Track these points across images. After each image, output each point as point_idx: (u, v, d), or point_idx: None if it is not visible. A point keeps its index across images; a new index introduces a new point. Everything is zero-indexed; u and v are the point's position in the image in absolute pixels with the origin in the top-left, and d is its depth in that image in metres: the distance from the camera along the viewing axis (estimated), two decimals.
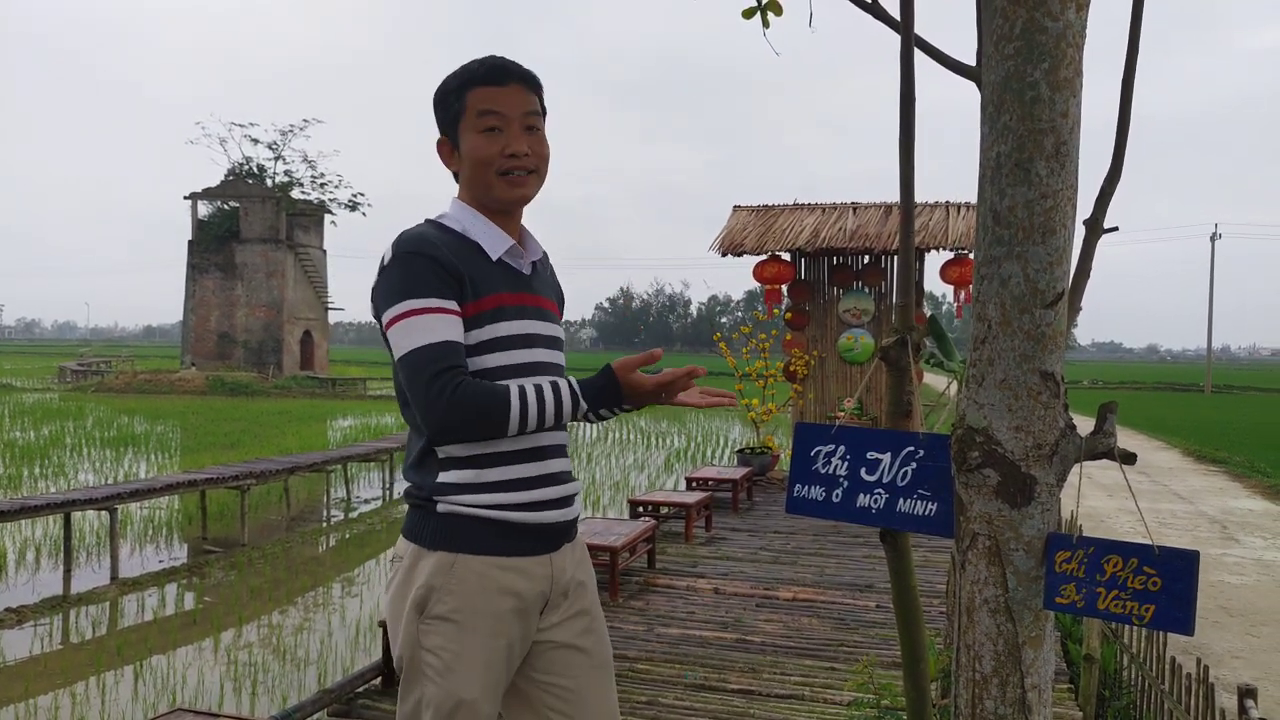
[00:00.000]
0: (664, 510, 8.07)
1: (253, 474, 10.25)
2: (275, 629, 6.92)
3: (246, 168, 38.98)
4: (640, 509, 7.97)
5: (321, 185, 39.23)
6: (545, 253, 2.00)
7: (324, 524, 11.32)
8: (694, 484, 9.37)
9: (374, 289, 1.79)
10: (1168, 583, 1.17)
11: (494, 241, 1.83)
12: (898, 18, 1.51)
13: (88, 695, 5.48)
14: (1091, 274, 1.46)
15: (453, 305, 1.74)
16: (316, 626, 6.96)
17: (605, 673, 1.91)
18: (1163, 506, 11.33)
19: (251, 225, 36.87)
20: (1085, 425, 1.17)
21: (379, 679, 4.41)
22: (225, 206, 38.02)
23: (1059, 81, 1.15)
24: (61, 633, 6.80)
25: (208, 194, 37.78)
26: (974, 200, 1.27)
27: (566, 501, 1.87)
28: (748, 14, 2.04)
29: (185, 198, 37.59)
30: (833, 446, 1.55)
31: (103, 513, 8.58)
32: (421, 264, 1.73)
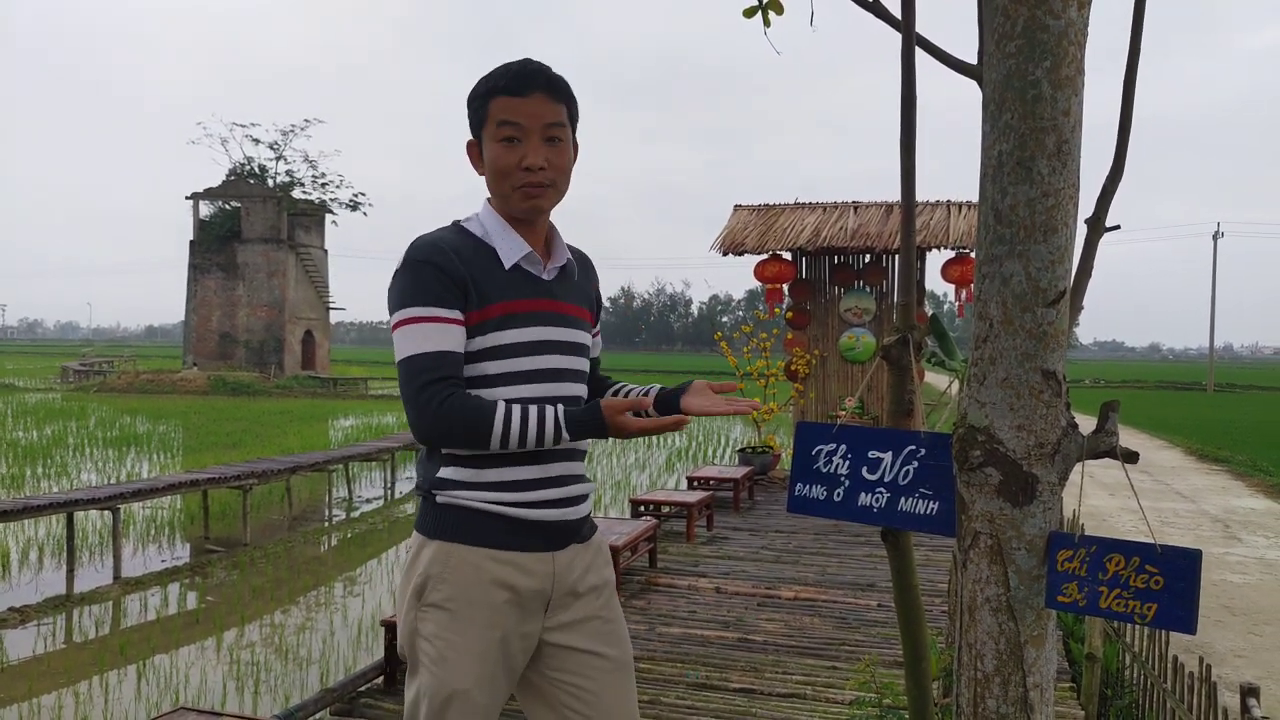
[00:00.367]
0: (665, 509, 8.08)
1: (255, 474, 10.26)
2: (277, 628, 6.93)
3: (248, 168, 39.01)
4: (642, 508, 7.97)
5: (323, 185, 39.28)
6: (583, 256, 2.02)
7: (326, 523, 11.33)
8: (695, 483, 9.36)
9: (387, 292, 1.83)
10: (1170, 581, 1.16)
11: (511, 248, 1.84)
12: (899, 16, 1.51)
13: (91, 694, 5.48)
14: (1093, 273, 1.46)
15: (454, 314, 1.77)
16: (319, 626, 6.97)
17: (625, 674, 1.92)
18: (1165, 505, 11.32)
19: (253, 225, 36.88)
20: (1087, 424, 1.17)
21: (381, 678, 4.41)
22: (227, 206, 38.03)
23: (1061, 80, 1.15)
24: (64, 632, 6.80)
25: (209, 194, 37.79)
26: (975, 199, 1.26)
27: (571, 502, 1.87)
28: (749, 13, 2.04)
29: (187, 198, 37.63)
30: (834, 445, 1.55)
31: (105, 512, 8.58)
32: (427, 272, 1.76)
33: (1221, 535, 9.56)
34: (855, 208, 11.84)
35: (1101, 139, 1.56)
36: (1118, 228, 1.51)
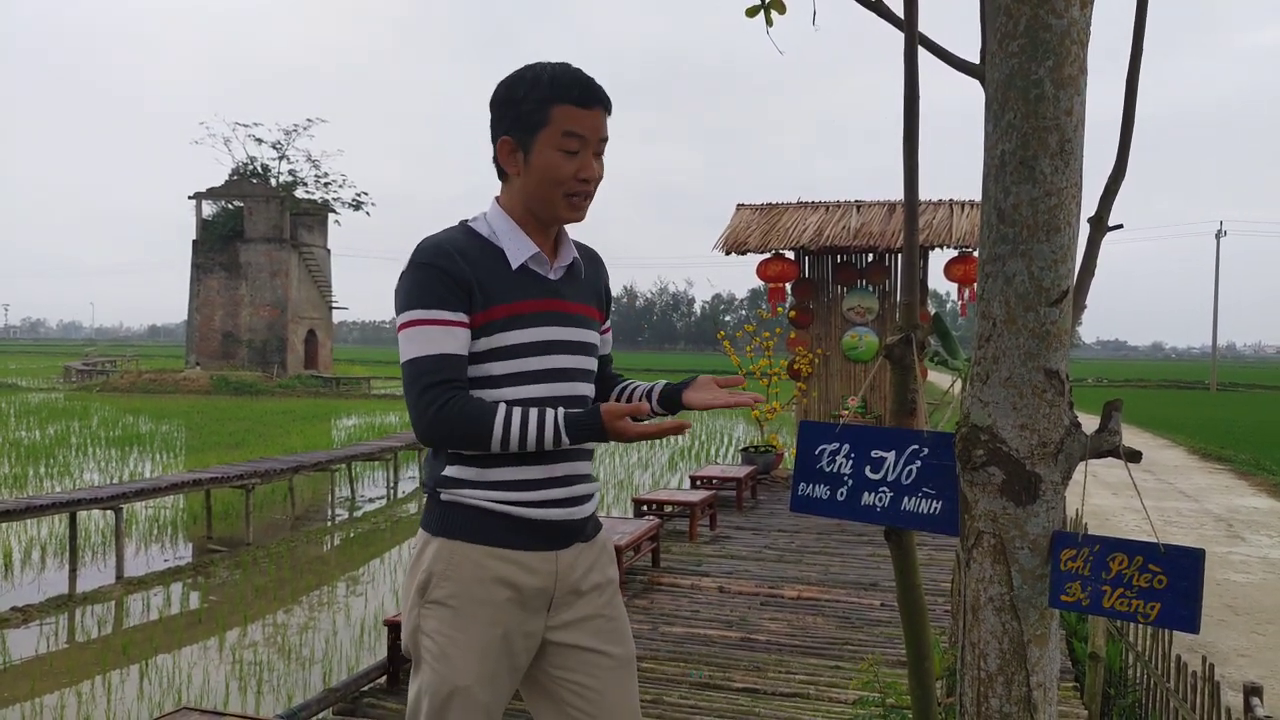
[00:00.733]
0: (668, 509, 8.07)
1: (257, 473, 10.26)
2: (280, 628, 6.93)
3: (251, 167, 39.06)
4: (644, 508, 7.97)
5: (325, 184, 39.31)
6: (591, 253, 2.02)
7: (328, 523, 11.33)
8: (698, 483, 9.36)
9: (394, 294, 1.85)
10: (1173, 580, 1.16)
11: (518, 249, 1.84)
12: (901, 16, 1.51)
13: (93, 694, 5.49)
14: (1096, 272, 1.46)
15: (458, 316, 1.77)
16: (321, 625, 6.98)
17: (627, 672, 1.92)
18: (1168, 504, 11.31)
19: (256, 225, 36.91)
20: (1090, 423, 1.17)
21: (384, 677, 4.41)
22: (229, 206, 38.06)
23: (1063, 79, 1.15)
24: (67, 632, 6.81)
25: (212, 194, 37.81)
26: (978, 198, 1.26)
27: (575, 502, 1.88)
28: (751, 12, 2.04)
29: (190, 198, 37.65)
30: (837, 445, 1.55)
31: (108, 512, 8.59)
32: (431, 275, 1.77)
33: (1225, 534, 9.55)
34: (858, 207, 11.84)
35: (1104, 138, 1.56)
36: (1120, 227, 1.51)
